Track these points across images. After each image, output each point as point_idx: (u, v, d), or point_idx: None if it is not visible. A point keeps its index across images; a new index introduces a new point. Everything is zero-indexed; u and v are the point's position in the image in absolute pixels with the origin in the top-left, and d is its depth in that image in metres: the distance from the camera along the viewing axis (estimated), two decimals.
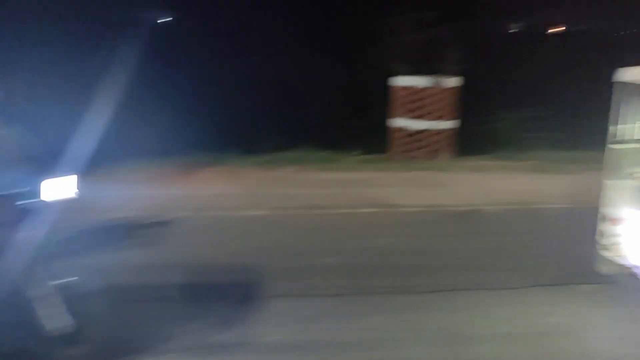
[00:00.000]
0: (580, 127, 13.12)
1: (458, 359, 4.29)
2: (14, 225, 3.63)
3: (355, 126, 11.80)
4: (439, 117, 11.05)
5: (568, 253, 6.32)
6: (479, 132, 12.39)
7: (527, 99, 14.01)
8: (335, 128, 11.68)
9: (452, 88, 11.12)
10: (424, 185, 9.26)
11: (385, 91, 11.47)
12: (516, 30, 21.08)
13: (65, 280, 3.85)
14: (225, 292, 5.24)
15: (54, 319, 3.78)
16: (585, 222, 7.58)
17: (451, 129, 11.20)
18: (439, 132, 11.09)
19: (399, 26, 12.28)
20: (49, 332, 3.77)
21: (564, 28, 21.87)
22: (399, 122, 11.24)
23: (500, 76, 15.17)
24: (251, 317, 4.73)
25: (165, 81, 11.32)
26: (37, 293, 3.75)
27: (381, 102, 11.56)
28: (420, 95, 11.03)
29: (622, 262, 5.23)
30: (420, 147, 11.11)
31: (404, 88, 11.14)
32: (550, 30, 20.34)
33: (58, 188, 3.73)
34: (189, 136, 9.95)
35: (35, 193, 3.66)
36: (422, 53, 12.04)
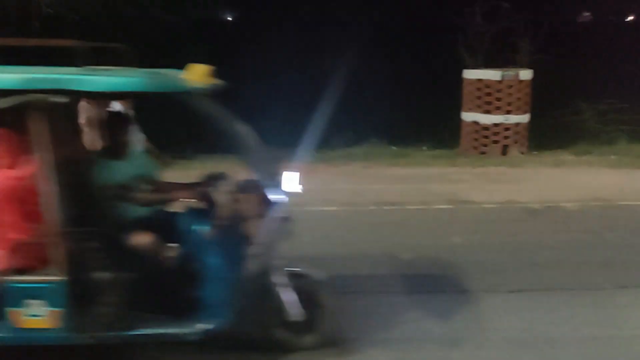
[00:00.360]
0: None
1: None
2: (262, 216, 3.89)
3: (425, 121, 11.63)
4: (512, 111, 10.75)
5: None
6: (555, 125, 12.01)
7: (605, 90, 13.48)
8: (405, 123, 11.55)
9: (525, 80, 10.80)
10: (499, 181, 9.03)
11: (456, 85, 11.26)
12: (590, 19, 20.37)
13: (294, 269, 4.11)
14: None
15: (289, 307, 4.02)
16: None
17: (525, 123, 10.89)
18: (512, 126, 10.78)
19: (470, 18, 12.01)
20: (288, 319, 4.03)
21: (632, 17, 21.00)
22: (470, 116, 11.01)
23: (575, 67, 14.68)
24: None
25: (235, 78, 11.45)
26: (276, 281, 4.01)
27: (451, 96, 11.36)
28: (492, 89, 10.75)
29: None
30: (492, 141, 10.84)
31: (475, 81, 10.90)
32: (628, 19, 19.60)
33: (291, 182, 3.94)
34: (256, 132, 10.02)
35: (278, 186, 3.89)
36: (494, 45, 11.77)
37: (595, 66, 16.03)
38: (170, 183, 4.32)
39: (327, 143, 10.53)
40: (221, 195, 3.85)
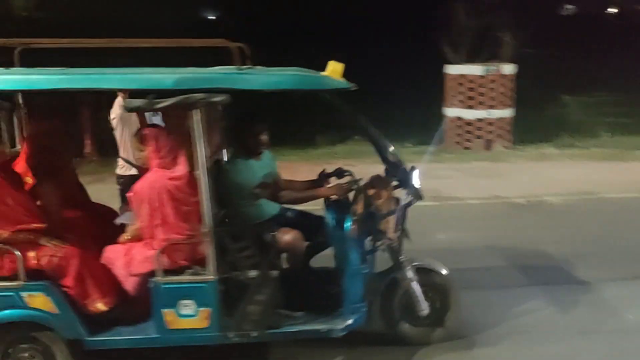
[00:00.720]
0: None
1: (531, 357, 4.16)
2: (394, 212, 4.03)
3: (408, 117, 11.59)
4: (495, 106, 10.72)
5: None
6: (538, 119, 12.03)
7: (588, 83, 13.54)
8: (388, 120, 11.49)
9: (508, 75, 10.78)
10: (483, 176, 9.00)
11: (439, 80, 11.22)
12: (573, 12, 20.48)
13: (420, 263, 4.18)
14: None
15: (416, 301, 4.10)
16: None
17: (508, 117, 10.88)
18: (495, 120, 10.76)
19: (454, 13, 11.96)
20: (415, 313, 4.12)
21: (613, 10, 21.19)
22: (453, 112, 10.98)
23: (558, 60, 14.77)
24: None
25: None
26: (404, 275, 4.09)
27: (434, 91, 11.32)
28: (475, 84, 10.71)
29: None
30: (476, 136, 10.81)
31: (458, 76, 10.86)
32: (609, 11, 19.71)
33: (416, 178, 4.06)
34: None
35: (409, 183, 4.00)
36: (477, 40, 11.74)
37: (578, 59, 16.14)
38: (290, 181, 4.43)
39: (310, 141, 10.50)
40: (358, 191, 3.92)
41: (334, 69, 3.63)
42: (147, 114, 5.15)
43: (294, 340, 4.03)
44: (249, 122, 4.09)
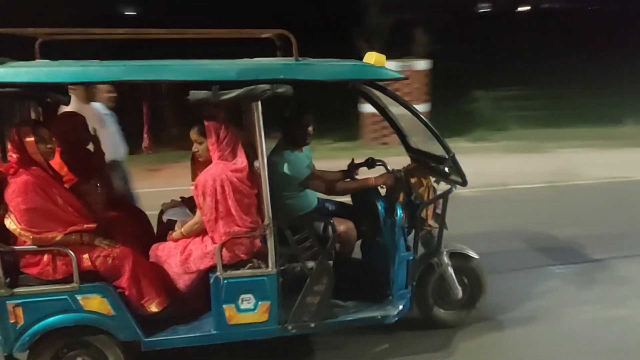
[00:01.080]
0: (555, 105, 13.16)
1: (481, 344, 4.28)
2: (434, 200, 4.17)
3: (326, 114, 11.62)
4: (411, 101, 10.78)
5: (546, 234, 6.34)
6: (452, 114, 12.30)
7: (499, 79, 13.94)
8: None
9: (422, 71, 10.96)
10: None
11: None
12: (486, 10, 21.08)
13: (453, 248, 4.31)
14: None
15: (450, 285, 4.24)
16: (563, 201, 7.60)
17: (423, 113, 10.99)
18: None
19: (366, 10, 12.06)
20: (449, 297, 4.29)
21: (528, 8, 22.04)
22: (370, 108, 11.00)
23: (471, 57, 15.16)
24: None
25: None
26: (439, 261, 4.24)
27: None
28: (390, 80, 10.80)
29: None
30: (392, 132, 10.90)
31: None
32: (518, 9, 20.43)
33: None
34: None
35: (458, 170, 3.99)
36: (390, 36, 11.87)
37: (489, 56, 16.65)
38: (323, 171, 4.47)
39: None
40: (399, 179, 4.05)
41: (377, 60, 3.60)
42: (99, 110, 4.90)
43: (336, 330, 4.07)
44: (298, 113, 4.08)
